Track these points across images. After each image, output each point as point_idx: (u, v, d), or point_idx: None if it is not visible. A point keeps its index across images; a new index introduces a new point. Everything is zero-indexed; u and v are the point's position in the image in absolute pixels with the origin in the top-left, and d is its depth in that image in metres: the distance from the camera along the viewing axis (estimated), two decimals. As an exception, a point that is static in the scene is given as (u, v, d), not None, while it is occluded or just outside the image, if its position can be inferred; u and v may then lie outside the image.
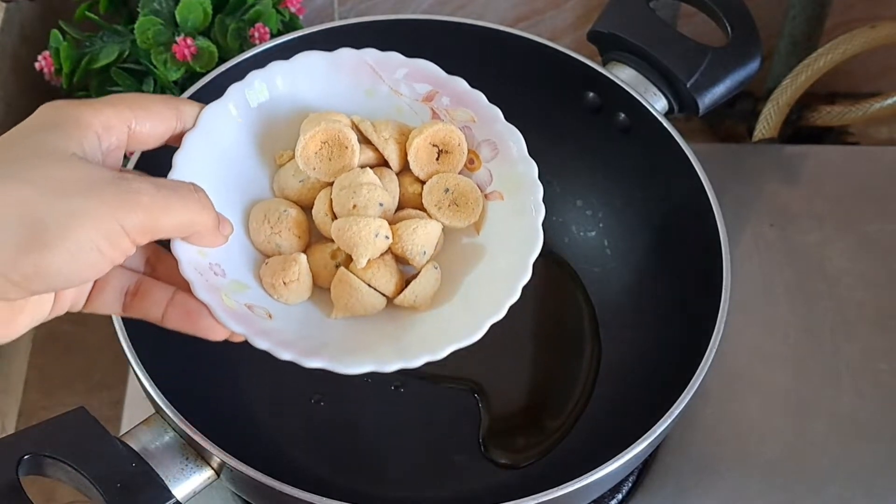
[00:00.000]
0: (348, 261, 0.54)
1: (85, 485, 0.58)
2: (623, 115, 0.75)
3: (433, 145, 0.56)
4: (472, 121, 0.57)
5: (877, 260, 0.86)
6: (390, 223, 0.54)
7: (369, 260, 0.53)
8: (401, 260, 0.55)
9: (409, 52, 0.70)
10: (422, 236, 0.54)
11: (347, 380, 0.76)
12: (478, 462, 0.73)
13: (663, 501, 0.74)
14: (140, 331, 0.63)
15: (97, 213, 0.44)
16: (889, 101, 0.92)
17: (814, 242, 0.86)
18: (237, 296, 0.52)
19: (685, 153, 0.71)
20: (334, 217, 0.54)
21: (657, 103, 0.74)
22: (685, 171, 0.71)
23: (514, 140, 0.56)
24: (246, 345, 0.79)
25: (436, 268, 0.55)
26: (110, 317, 0.63)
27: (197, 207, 0.48)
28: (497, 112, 0.57)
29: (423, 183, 0.56)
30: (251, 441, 0.71)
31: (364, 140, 0.56)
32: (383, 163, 0.56)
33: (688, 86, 0.73)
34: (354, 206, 0.53)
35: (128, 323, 0.63)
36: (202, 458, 0.61)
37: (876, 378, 0.80)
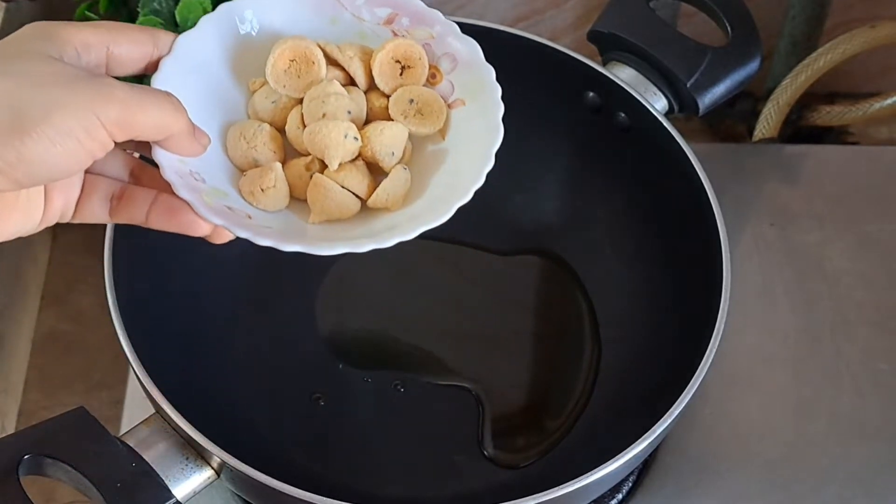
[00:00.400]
0: (323, 169, 0.57)
1: (85, 485, 0.58)
2: (623, 115, 0.75)
3: (396, 61, 0.59)
4: (431, 38, 0.60)
5: (877, 260, 0.86)
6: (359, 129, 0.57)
7: (341, 163, 0.56)
8: (371, 165, 0.58)
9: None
10: (389, 137, 0.57)
11: (347, 379, 0.76)
12: (478, 462, 0.73)
13: (663, 501, 0.74)
14: (140, 330, 0.63)
15: (74, 104, 0.47)
16: (889, 100, 0.92)
17: (814, 242, 0.86)
18: (217, 200, 0.55)
19: (685, 153, 0.71)
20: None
21: (657, 103, 0.74)
22: (685, 171, 0.71)
23: (472, 49, 0.60)
24: (245, 342, 0.79)
25: (405, 169, 0.58)
26: (110, 316, 0.63)
27: (170, 109, 0.51)
28: (454, 26, 0.60)
29: (388, 97, 0.59)
30: (251, 441, 0.71)
31: (331, 62, 0.59)
32: (350, 82, 0.59)
33: (688, 86, 0.73)
34: (324, 115, 0.57)
35: (128, 322, 0.63)
36: (202, 457, 0.61)
37: (876, 378, 0.80)
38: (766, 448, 0.77)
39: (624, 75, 0.75)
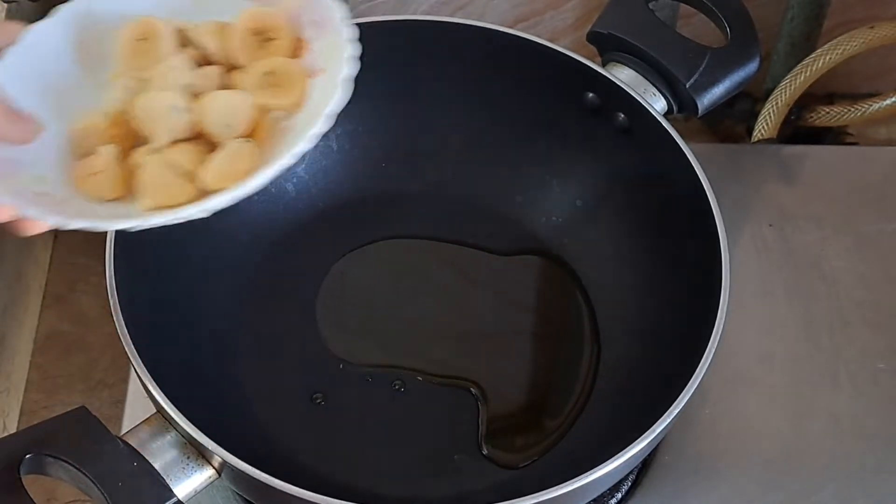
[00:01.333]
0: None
1: (86, 484, 0.58)
2: (623, 116, 0.75)
3: (256, 33, 0.55)
4: (298, 6, 0.55)
5: (875, 260, 0.86)
6: None
7: (175, 141, 0.52)
8: (210, 141, 0.53)
9: (410, 53, 0.70)
10: (223, 107, 0.52)
11: (347, 379, 0.76)
12: (477, 462, 0.73)
13: (662, 500, 0.74)
14: (142, 330, 0.63)
15: None
16: (887, 101, 0.92)
17: (812, 242, 0.87)
18: (36, 186, 0.52)
19: (685, 153, 0.71)
20: None
21: (656, 104, 0.74)
22: (685, 172, 0.71)
23: (336, 12, 0.55)
24: (246, 342, 0.79)
25: (247, 142, 0.52)
26: (112, 316, 0.63)
27: None
28: None
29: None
30: (252, 440, 0.71)
31: (186, 42, 0.55)
32: (209, 62, 0.55)
33: (687, 86, 0.74)
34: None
35: (129, 322, 0.63)
36: (203, 457, 0.61)
37: (874, 377, 0.80)
38: (764, 447, 0.77)
39: (623, 76, 0.75)
